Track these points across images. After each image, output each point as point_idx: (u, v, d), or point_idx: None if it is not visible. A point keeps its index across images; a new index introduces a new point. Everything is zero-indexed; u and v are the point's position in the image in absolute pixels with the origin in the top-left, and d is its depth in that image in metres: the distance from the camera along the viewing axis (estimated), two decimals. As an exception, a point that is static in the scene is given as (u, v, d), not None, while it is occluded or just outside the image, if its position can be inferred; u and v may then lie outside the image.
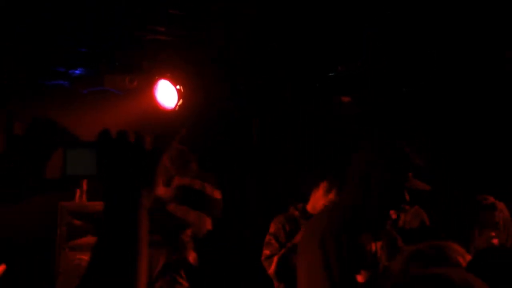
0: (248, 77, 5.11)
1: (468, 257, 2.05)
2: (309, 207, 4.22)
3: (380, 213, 2.79)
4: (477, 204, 3.51)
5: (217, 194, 3.39)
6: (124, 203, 1.29)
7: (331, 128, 5.48)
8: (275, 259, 4.03)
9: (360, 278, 2.68)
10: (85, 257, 4.17)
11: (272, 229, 4.23)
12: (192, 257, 3.16)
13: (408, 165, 2.75)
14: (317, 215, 2.87)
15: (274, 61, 4.89)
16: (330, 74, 5.09)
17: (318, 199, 4.18)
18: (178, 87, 4.75)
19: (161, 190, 3.35)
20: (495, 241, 3.36)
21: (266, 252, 4.15)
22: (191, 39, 4.48)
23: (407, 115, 5.36)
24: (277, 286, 4.10)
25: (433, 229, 2.88)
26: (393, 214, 2.83)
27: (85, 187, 4.69)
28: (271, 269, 4.05)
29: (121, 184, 1.31)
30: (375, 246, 2.82)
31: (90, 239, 4.41)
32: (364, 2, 3.77)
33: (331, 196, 4.10)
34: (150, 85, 4.75)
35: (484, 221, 3.46)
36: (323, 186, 4.16)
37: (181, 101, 4.75)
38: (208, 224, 3.39)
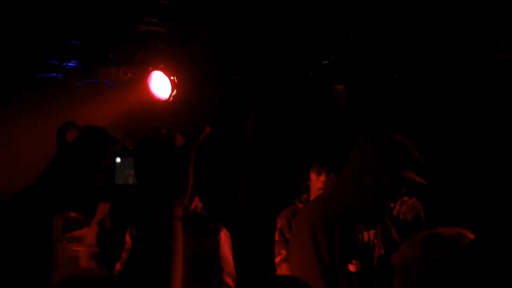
0: (243, 67, 5.12)
1: None
2: (311, 197, 4.25)
3: (374, 205, 2.79)
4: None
5: None
6: (157, 215, 1.28)
7: (328, 119, 5.49)
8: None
9: (351, 268, 2.69)
10: (83, 248, 4.20)
11: (278, 224, 4.25)
12: None
13: (406, 159, 2.74)
14: (309, 204, 2.87)
15: (268, 50, 4.89)
16: (324, 62, 5.09)
17: (314, 185, 4.23)
18: (172, 78, 4.75)
19: None
20: None
21: (276, 252, 4.15)
22: (184, 30, 4.48)
23: (403, 107, 5.37)
24: None
25: (427, 223, 2.88)
26: (391, 205, 2.83)
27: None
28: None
29: (154, 196, 1.29)
30: (368, 235, 2.82)
31: (86, 231, 4.42)
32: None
33: (322, 178, 4.16)
34: (144, 76, 4.75)
35: None
36: (312, 171, 4.22)
37: (175, 91, 4.75)
38: None
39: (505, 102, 5.17)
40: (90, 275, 1.94)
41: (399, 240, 2.86)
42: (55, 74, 4.85)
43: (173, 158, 1.32)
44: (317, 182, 4.21)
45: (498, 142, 5.33)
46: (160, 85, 4.78)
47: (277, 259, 4.15)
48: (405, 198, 2.82)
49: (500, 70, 4.79)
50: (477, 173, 5.29)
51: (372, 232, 2.84)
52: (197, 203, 3.34)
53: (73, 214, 4.53)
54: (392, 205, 2.81)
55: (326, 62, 5.06)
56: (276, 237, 4.21)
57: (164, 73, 4.75)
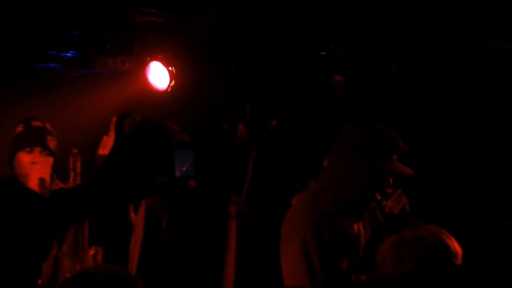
0: (240, 58, 5.10)
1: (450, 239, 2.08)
2: None
3: (362, 197, 2.73)
4: None
5: None
6: (212, 213, 1.22)
7: (329, 117, 5.47)
8: None
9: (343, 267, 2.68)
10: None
11: None
12: None
13: (393, 149, 2.72)
14: (297, 203, 2.83)
15: (266, 40, 4.88)
16: (322, 53, 5.08)
17: None
18: (170, 68, 4.74)
19: None
20: None
21: None
22: (182, 20, 4.47)
23: (402, 106, 5.35)
24: None
25: (413, 215, 2.88)
26: (378, 196, 2.81)
27: (79, 169, 4.63)
28: None
29: (211, 192, 1.24)
30: (357, 227, 2.81)
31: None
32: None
33: None
34: (142, 67, 4.74)
35: None
36: None
37: (173, 82, 4.75)
38: None
39: (505, 101, 5.17)
40: (106, 271, 1.93)
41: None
42: (53, 65, 4.83)
43: (234, 154, 1.28)
44: None
45: (497, 141, 5.33)
46: (159, 75, 4.77)
47: None
48: (389, 191, 2.80)
49: (500, 69, 4.80)
50: (476, 173, 5.29)
51: (361, 223, 2.82)
52: None
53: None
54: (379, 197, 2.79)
55: (324, 53, 5.05)
56: None
57: (162, 63, 4.74)
